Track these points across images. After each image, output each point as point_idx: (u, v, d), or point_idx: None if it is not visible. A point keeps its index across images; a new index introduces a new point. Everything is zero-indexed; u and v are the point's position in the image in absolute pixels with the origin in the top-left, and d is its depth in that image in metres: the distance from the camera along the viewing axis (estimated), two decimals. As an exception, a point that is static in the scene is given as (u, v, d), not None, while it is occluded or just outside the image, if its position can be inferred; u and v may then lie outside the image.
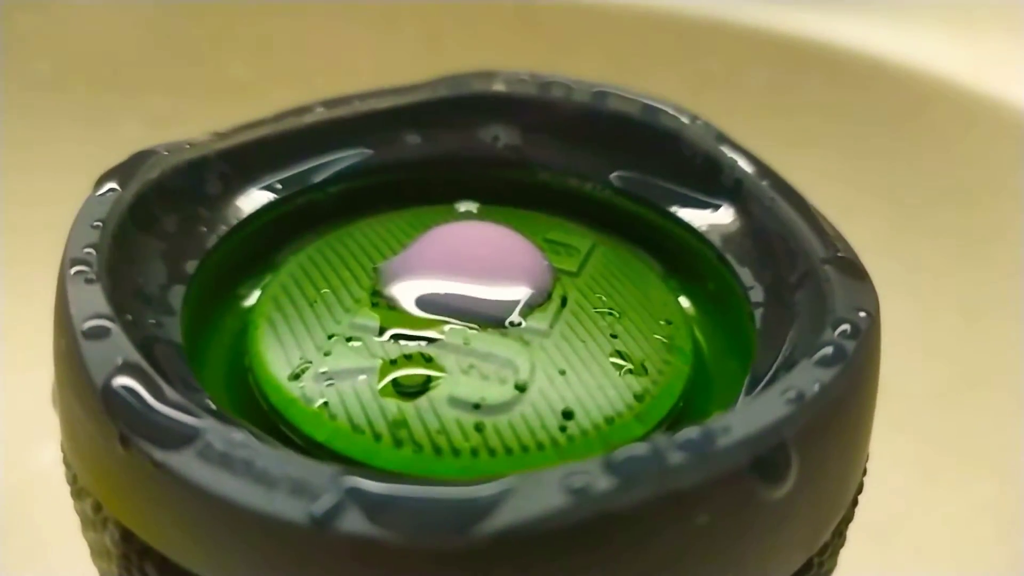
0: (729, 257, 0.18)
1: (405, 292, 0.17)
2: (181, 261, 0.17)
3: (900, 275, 0.30)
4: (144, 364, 0.14)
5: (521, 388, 0.15)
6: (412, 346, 0.16)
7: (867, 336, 0.15)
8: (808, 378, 0.14)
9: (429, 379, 0.15)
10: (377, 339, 0.16)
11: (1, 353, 0.28)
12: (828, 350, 0.14)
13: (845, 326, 0.15)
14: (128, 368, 0.14)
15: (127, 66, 0.37)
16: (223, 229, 0.18)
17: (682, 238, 0.19)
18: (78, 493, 0.15)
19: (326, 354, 0.16)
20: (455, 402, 0.15)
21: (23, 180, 0.33)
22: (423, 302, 0.17)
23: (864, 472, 0.16)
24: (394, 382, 0.15)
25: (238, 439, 0.13)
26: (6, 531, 0.24)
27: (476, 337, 0.16)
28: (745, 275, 0.17)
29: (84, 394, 0.14)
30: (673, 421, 0.16)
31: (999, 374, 0.29)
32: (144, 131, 0.37)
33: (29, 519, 0.24)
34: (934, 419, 0.29)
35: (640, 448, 0.13)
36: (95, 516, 0.15)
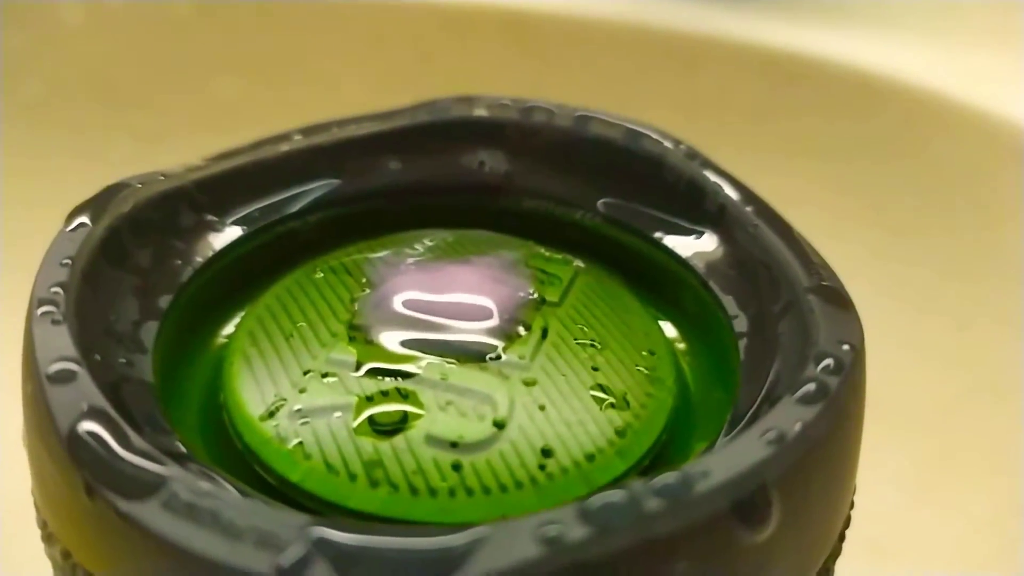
0: (713, 285, 0.17)
1: (383, 325, 0.17)
2: (154, 296, 0.17)
3: (892, 291, 0.30)
4: (110, 409, 0.13)
5: (500, 425, 0.15)
6: (389, 382, 0.16)
7: (851, 372, 0.14)
8: (789, 417, 0.13)
9: (406, 416, 0.15)
10: (353, 375, 0.16)
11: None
12: (811, 387, 0.14)
13: (828, 360, 0.14)
14: (94, 414, 0.13)
15: (117, 84, 0.37)
16: (198, 261, 0.18)
17: (666, 265, 0.18)
18: (48, 538, 0.15)
19: (301, 391, 0.16)
20: (432, 440, 0.15)
21: (14, 197, 0.32)
22: (401, 336, 0.16)
23: (851, 506, 0.16)
24: (370, 420, 0.15)
25: (204, 488, 0.12)
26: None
27: (454, 372, 0.16)
28: (729, 303, 0.17)
29: (50, 440, 0.14)
30: (656, 455, 0.15)
31: (993, 390, 0.29)
32: (135, 149, 0.37)
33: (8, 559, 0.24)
34: (928, 434, 0.28)
35: (616, 495, 0.12)
36: (64, 563, 0.14)
